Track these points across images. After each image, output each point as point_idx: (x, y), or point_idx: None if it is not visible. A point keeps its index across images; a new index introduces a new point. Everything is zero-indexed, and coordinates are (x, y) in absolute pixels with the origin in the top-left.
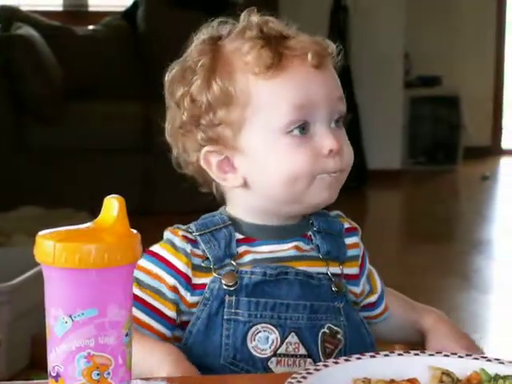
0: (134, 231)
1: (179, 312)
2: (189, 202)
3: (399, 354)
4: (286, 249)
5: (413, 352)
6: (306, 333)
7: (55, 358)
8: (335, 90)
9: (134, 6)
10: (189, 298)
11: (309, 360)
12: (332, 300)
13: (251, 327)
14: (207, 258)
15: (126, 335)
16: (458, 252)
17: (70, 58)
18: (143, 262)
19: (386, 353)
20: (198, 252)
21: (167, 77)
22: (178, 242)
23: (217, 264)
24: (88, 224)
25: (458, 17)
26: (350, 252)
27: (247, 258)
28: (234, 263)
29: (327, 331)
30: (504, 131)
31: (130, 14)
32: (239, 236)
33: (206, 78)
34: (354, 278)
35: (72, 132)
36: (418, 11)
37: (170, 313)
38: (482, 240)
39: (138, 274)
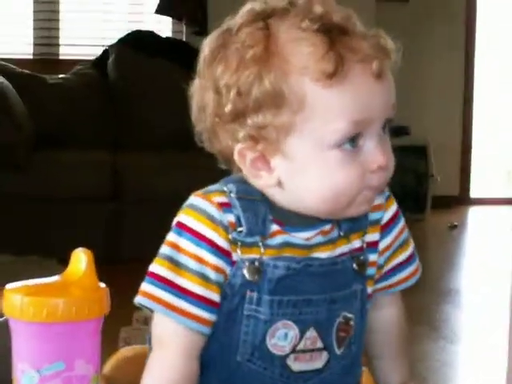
0: (102, 285)
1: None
2: (158, 250)
3: None
4: (313, 235)
5: None
6: (324, 325)
7: None
8: (391, 99)
9: (104, 55)
10: (229, 272)
11: (324, 353)
12: (351, 283)
13: (272, 325)
14: (237, 229)
15: None
16: (426, 301)
17: (40, 106)
18: (177, 239)
19: None
20: (232, 219)
21: (206, 50)
22: (214, 211)
23: (247, 237)
24: (56, 277)
25: (425, 67)
26: (372, 216)
27: (278, 239)
28: (261, 244)
29: (342, 320)
30: (472, 180)
31: (100, 62)
32: (270, 215)
33: (258, 73)
34: (373, 246)
35: (41, 179)
36: None
37: (216, 296)
38: (450, 289)
39: (173, 253)
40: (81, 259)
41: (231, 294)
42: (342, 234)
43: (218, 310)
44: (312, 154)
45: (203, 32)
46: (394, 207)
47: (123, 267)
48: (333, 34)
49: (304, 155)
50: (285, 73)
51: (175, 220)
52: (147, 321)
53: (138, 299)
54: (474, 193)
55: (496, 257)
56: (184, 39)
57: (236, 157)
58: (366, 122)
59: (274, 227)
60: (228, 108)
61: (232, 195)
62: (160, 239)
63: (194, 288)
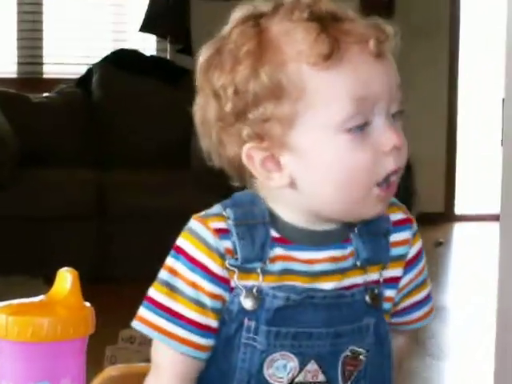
0: (87, 304)
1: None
2: (144, 268)
3: None
4: (320, 259)
5: None
6: (327, 359)
7: None
8: (394, 79)
9: (88, 74)
10: (227, 298)
11: None
12: (362, 317)
13: (269, 355)
14: (234, 256)
15: None
16: None
17: (24, 125)
18: (174, 264)
19: None
20: (229, 245)
21: (201, 59)
22: (211, 238)
23: (244, 264)
24: (41, 297)
25: (409, 83)
26: (396, 251)
27: (278, 265)
28: (259, 271)
29: (349, 354)
30: (457, 197)
31: (84, 81)
32: (275, 234)
33: (252, 67)
34: (393, 282)
35: (26, 198)
36: None
37: (213, 322)
38: (436, 306)
39: (170, 278)
40: (66, 279)
41: (229, 320)
42: (358, 264)
43: (216, 335)
44: (320, 141)
45: (187, 50)
46: (419, 244)
47: (109, 286)
48: (324, 21)
49: (312, 145)
50: (280, 63)
51: (176, 242)
52: (133, 339)
53: (135, 324)
54: (459, 209)
55: (482, 274)
56: (168, 57)
57: (245, 160)
58: (370, 100)
59: (276, 251)
60: (228, 107)
61: (230, 221)
62: (145, 257)
63: (190, 314)
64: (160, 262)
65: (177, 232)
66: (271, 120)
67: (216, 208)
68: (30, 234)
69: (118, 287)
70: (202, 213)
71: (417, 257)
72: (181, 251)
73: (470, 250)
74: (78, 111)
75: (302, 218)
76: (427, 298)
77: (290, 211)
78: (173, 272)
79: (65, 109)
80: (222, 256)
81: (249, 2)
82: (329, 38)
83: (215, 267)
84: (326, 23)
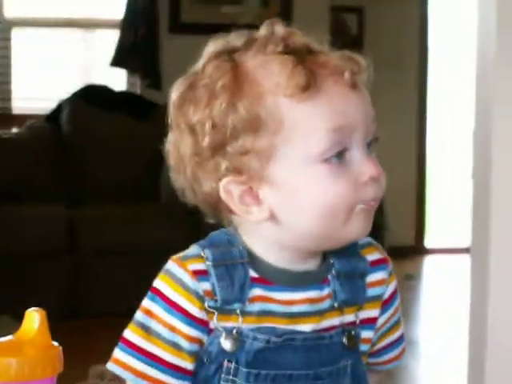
0: (55, 343)
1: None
2: (115, 304)
3: None
4: (298, 300)
5: None
6: None
7: None
8: (370, 111)
9: (58, 109)
10: (206, 340)
11: None
12: (340, 359)
13: None
14: (213, 297)
15: None
16: None
17: None
18: (151, 305)
19: None
20: (208, 287)
21: (174, 95)
22: (189, 280)
23: (223, 305)
24: (9, 337)
25: (378, 117)
26: (372, 291)
27: (256, 306)
28: (239, 312)
29: None
30: (427, 230)
31: (53, 116)
32: (254, 274)
33: (230, 101)
34: (370, 322)
35: None
36: None
37: (189, 365)
38: (408, 339)
39: (146, 320)
40: (34, 318)
41: (208, 362)
42: (336, 305)
43: (193, 376)
44: (298, 174)
45: (157, 85)
46: (394, 283)
47: (80, 322)
48: (299, 54)
49: (291, 178)
50: (258, 96)
51: (153, 284)
52: (103, 375)
53: (110, 366)
54: (429, 242)
55: (452, 306)
56: (138, 92)
57: (223, 195)
58: (347, 129)
59: (255, 291)
60: (206, 142)
61: (208, 262)
62: (116, 293)
63: (166, 356)
64: (131, 299)
65: (148, 267)
66: (249, 153)
67: (193, 249)
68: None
69: (88, 323)
70: (180, 254)
71: (392, 296)
72: (158, 293)
73: (440, 282)
74: (48, 146)
75: (279, 256)
76: (401, 338)
77: (268, 248)
78: (149, 314)
79: (35, 144)
80: (201, 298)
81: (221, 37)
82: (305, 69)
83: (194, 310)
84: (301, 56)
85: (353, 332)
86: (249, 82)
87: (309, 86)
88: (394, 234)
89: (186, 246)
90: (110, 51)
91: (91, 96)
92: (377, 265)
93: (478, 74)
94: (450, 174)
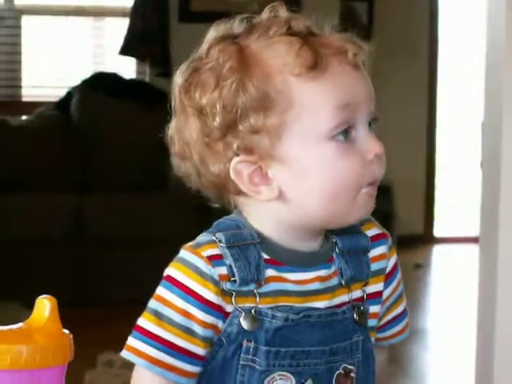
0: (66, 331)
1: (213, 343)
2: (123, 293)
3: None
4: (309, 279)
5: None
6: (323, 377)
7: None
8: (371, 90)
9: (68, 96)
10: (221, 325)
11: None
12: (352, 334)
13: (267, 376)
14: (230, 279)
15: None
16: None
17: (2, 149)
18: (164, 293)
19: None
20: (223, 271)
21: (179, 80)
22: (204, 266)
23: (241, 286)
24: (20, 324)
25: (388, 107)
26: (375, 265)
27: (271, 286)
28: (256, 293)
29: (342, 371)
30: (436, 219)
31: (63, 104)
32: (265, 256)
33: (239, 82)
34: (376, 297)
35: (4, 224)
36: None
37: (201, 350)
38: (417, 329)
39: (159, 307)
40: (45, 306)
41: (227, 343)
42: (343, 282)
43: (203, 362)
44: (308, 151)
45: (167, 73)
46: (395, 257)
47: (87, 310)
48: (303, 35)
49: (300, 155)
50: (267, 75)
51: (165, 273)
52: (111, 363)
53: (124, 353)
54: (438, 231)
55: (461, 295)
56: (148, 80)
57: (233, 175)
58: (353, 107)
59: (269, 272)
60: (217, 122)
61: (222, 245)
62: (123, 281)
63: (178, 341)
64: (139, 287)
65: (156, 255)
66: (260, 132)
67: (204, 236)
68: (8, 259)
69: (95, 312)
70: (192, 242)
71: (394, 269)
72: (172, 280)
73: (449, 271)
74: (58, 134)
75: (285, 235)
76: (404, 312)
77: (274, 228)
78: (163, 301)
79: (44, 132)
80: (217, 283)
81: (222, 23)
82: (311, 49)
83: (210, 295)
84: (304, 37)
85: (362, 308)
86: (256, 63)
87: (316, 65)
88: (403, 223)
89: (194, 235)
90: (120, 39)
91: (101, 84)
92: (377, 240)
93: (487, 62)
94: (459, 163)
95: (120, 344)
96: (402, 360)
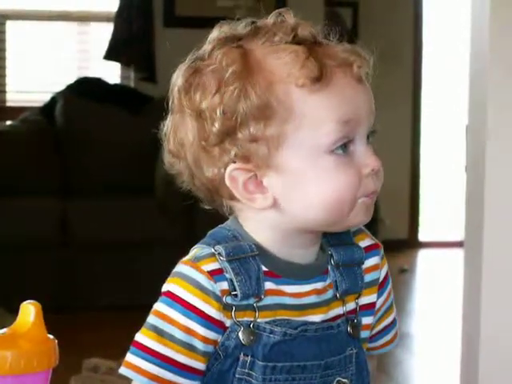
0: (51, 337)
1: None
2: (108, 298)
3: None
4: (306, 292)
5: None
6: None
7: None
8: (372, 103)
9: (52, 102)
10: (220, 339)
11: None
12: (346, 347)
13: None
14: (231, 293)
15: None
16: None
17: None
18: (165, 309)
19: None
20: (225, 285)
21: (179, 80)
22: (205, 281)
23: (242, 300)
24: (4, 330)
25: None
26: (368, 276)
27: (270, 299)
28: (255, 307)
29: None
30: (420, 224)
31: (47, 109)
32: (264, 268)
33: (241, 88)
34: (370, 308)
35: None
36: None
37: (202, 365)
38: (401, 333)
39: (159, 323)
40: (29, 311)
41: (224, 356)
42: (338, 295)
43: (202, 376)
44: (306, 163)
45: (151, 78)
46: (386, 267)
47: (71, 315)
48: (309, 44)
49: (298, 166)
50: (270, 84)
51: (164, 288)
52: (96, 369)
53: (122, 370)
54: (422, 236)
55: (446, 300)
56: (132, 85)
57: (228, 181)
58: (355, 122)
59: (267, 284)
60: (216, 128)
61: (222, 258)
62: (107, 286)
63: (179, 358)
64: (123, 293)
65: (141, 261)
66: (259, 140)
67: (202, 249)
68: None
69: (80, 317)
70: (190, 256)
71: (386, 279)
72: (173, 297)
73: (433, 276)
74: (42, 139)
75: (281, 243)
76: (394, 322)
77: (270, 234)
78: (164, 317)
79: (29, 137)
80: (218, 299)
81: (226, 23)
82: (317, 61)
83: (211, 311)
84: (311, 46)
85: (355, 320)
86: (260, 70)
87: (321, 78)
88: (388, 227)
89: (179, 240)
90: (104, 44)
91: (85, 89)
92: (370, 250)
93: (471, 66)
94: (443, 168)
95: (105, 349)
96: (387, 365)
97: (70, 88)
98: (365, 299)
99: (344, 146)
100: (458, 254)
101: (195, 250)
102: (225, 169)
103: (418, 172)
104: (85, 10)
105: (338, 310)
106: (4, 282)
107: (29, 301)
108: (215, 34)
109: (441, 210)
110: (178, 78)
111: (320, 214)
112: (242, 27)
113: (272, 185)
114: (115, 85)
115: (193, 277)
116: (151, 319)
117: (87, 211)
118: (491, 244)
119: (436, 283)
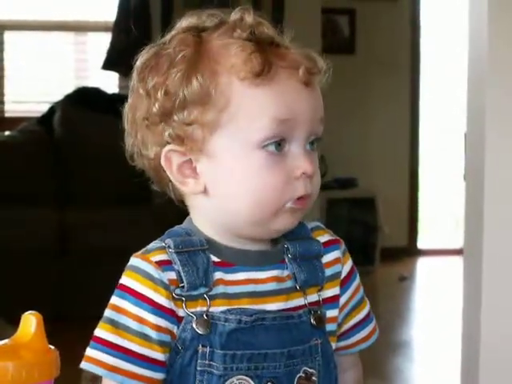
0: (52, 347)
1: (171, 349)
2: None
3: None
4: (264, 278)
5: None
6: (283, 381)
7: None
8: (319, 111)
9: (50, 112)
10: (176, 331)
11: None
12: (310, 337)
13: (226, 380)
14: (179, 285)
15: None
16: (377, 354)
17: None
18: (118, 301)
19: None
20: (173, 276)
21: (139, 60)
22: (153, 271)
23: (190, 291)
24: (5, 341)
25: (371, 118)
26: (329, 270)
27: (222, 289)
28: (206, 296)
29: (302, 375)
30: (420, 232)
31: (46, 119)
32: (215, 259)
33: (186, 72)
34: (333, 301)
35: None
36: (333, 115)
37: (160, 355)
38: (401, 341)
39: (114, 315)
40: (30, 322)
41: (183, 349)
42: (298, 287)
43: (170, 367)
44: (236, 155)
45: None
46: (350, 262)
47: (70, 325)
48: (261, 42)
49: (229, 155)
50: (213, 73)
51: (119, 282)
52: (95, 379)
53: (83, 364)
54: (422, 243)
55: (445, 308)
56: None
57: (163, 161)
58: (291, 123)
59: (217, 275)
60: (156, 107)
61: (171, 250)
62: (106, 296)
63: (135, 347)
64: None
65: None
66: (194, 124)
67: (154, 243)
68: None
69: (78, 326)
70: (142, 250)
71: (350, 274)
72: (125, 288)
73: (433, 283)
74: (40, 149)
75: (227, 237)
76: (368, 317)
77: (210, 227)
78: (117, 309)
79: (27, 147)
80: (167, 287)
81: (195, 14)
82: (262, 57)
83: (161, 299)
84: (262, 44)
85: (319, 312)
86: (208, 59)
87: (261, 73)
88: (387, 235)
89: None
90: (103, 54)
91: (83, 99)
92: (329, 245)
93: (470, 75)
94: (442, 175)
95: None
96: (387, 372)
97: (69, 98)
98: (328, 292)
99: (278, 145)
100: (458, 261)
101: (148, 245)
102: (162, 149)
103: (417, 180)
104: (82, 19)
105: (298, 301)
106: (3, 293)
107: (30, 311)
108: (182, 23)
109: (440, 217)
110: (138, 60)
111: (242, 209)
112: (210, 21)
113: (203, 171)
114: (113, 95)
115: (142, 267)
116: (107, 312)
117: (86, 221)
118: (491, 251)
119: (435, 291)
